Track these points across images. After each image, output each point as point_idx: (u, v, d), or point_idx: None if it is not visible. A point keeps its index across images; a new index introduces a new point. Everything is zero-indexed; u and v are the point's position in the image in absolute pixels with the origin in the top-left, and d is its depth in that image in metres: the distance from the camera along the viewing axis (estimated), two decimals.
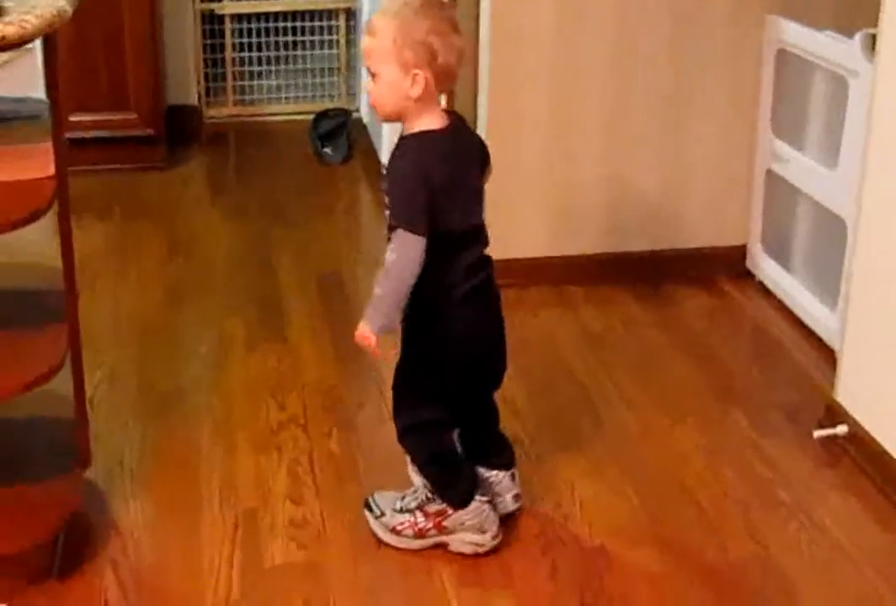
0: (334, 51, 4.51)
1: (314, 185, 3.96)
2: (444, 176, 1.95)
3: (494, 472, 2.24)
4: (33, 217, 1.81)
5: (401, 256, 1.94)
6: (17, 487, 2.05)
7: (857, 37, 2.70)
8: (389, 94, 1.95)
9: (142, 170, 3.91)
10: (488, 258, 2.10)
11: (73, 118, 3.47)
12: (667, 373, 2.85)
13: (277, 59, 4.50)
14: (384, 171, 2.08)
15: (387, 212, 2.00)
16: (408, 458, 2.20)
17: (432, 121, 1.98)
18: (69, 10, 1.79)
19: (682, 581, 2.13)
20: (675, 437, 2.58)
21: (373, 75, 1.96)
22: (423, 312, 2.05)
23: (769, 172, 3.21)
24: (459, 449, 2.20)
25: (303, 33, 4.47)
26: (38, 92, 2.71)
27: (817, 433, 2.55)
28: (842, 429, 2.53)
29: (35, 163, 1.93)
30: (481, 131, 3.12)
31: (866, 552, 2.23)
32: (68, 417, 2.16)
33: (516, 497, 2.26)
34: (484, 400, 2.24)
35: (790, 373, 2.89)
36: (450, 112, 2.05)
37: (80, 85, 3.61)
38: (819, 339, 2.99)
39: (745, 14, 3.10)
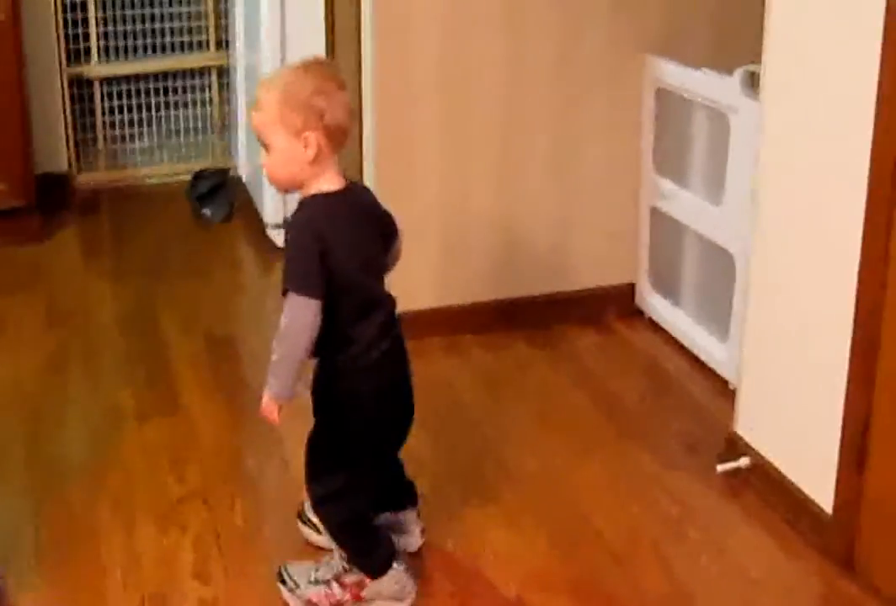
0: (208, 109, 4.46)
1: (195, 247, 3.89)
2: (339, 236, 1.93)
3: (405, 511, 2.24)
4: None
5: (293, 320, 1.91)
6: None
7: (737, 74, 2.76)
8: (284, 163, 1.94)
9: (14, 244, 3.76)
10: (395, 319, 2.07)
11: None
12: (566, 413, 2.86)
13: (149, 120, 4.43)
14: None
15: None
16: (321, 527, 2.16)
17: (329, 183, 1.97)
18: None
19: None
20: (581, 477, 2.58)
21: (266, 148, 1.95)
22: (333, 378, 2.02)
23: (654, 210, 3.26)
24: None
25: (175, 93, 4.41)
26: None
27: (721, 467, 2.57)
28: (744, 462, 2.56)
29: None
30: (370, 183, 3.11)
31: (778, 581, 2.25)
32: None
33: (423, 531, 2.27)
34: (395, 451, 2.22)
35: (686, 406, 2.92)
36: (350, 180, 2.03)
37: None
38: (711, 371, 3.03)
39: (622, 55, 3.14)
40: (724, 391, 2.94)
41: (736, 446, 2.60)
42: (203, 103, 4.45)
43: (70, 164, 4.24)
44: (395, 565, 2.10)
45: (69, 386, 2.97)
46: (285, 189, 2.01)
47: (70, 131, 4.21)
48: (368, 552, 2.11)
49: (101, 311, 3.41)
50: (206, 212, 4.05)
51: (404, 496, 2.28)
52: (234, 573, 2.23)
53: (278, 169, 1.95)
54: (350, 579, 2.11)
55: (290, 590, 2.13)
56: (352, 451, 2.05)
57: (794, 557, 2.32)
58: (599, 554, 2.31)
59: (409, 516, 2.27)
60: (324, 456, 2.08)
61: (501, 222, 3.22)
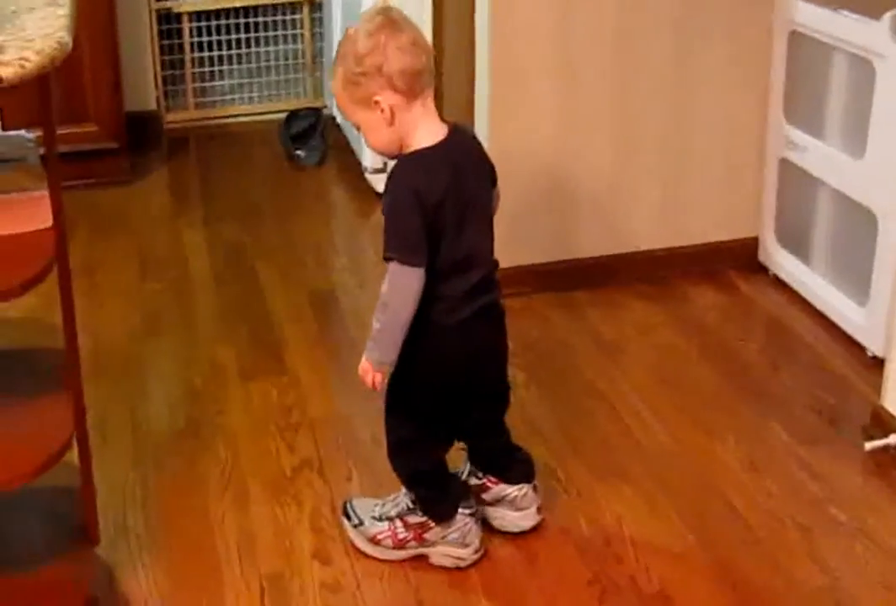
0: (299, 46, 4.25)
1: (290, 192, 3.73)
2: (439, 191, 1.83)
3: (518, 486, 2.13)
4: (39, 277, 1.59)
5: (396, 290, 1.85)
6: (13, 576, 1.82)
7: (886, 17, 2.52)
8: (374, 135, 1.88)
9: (104, 186, 3.62)
10: (495, 280, 1.99)
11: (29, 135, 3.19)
12: (691, 381, 2.68)
13: (239, 56, 4.23)
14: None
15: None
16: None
17: (427, 136, 1.87)
18: (69, 40, 1.56)
19: None
20: (715, 454, 2.41)
21: (357, 128, 1.92)
22: (416, 332, 1.91)
23: (783, 161, 3.03)
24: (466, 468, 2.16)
25: (265, 28, 4.20)
26: None
27: (869, 445, 2.39)
28: (894, 439, 2.38)
29: (31, 213, 1.70)
30: (482, 137, 2.92)
31: None
32: (65, 485, 1.94)
33: (539, 509, 2.16)
34: (488, 418, 2.11)
35: (822, 375, 2.73)
36: (451, 124, 1.92)
37: (35, 96, 3.31)
38: (846, 335, 2.83)
39: None
40: (863, 358, 2.75)
41: (883, 421, 2.42)
42: (294, 39, 4.24)
43: (158, 103, 4.08)
44: (460, 511, 2.04)
45: (168, 342, 2.84)
46: (393, 155, 1.92)
47: (158, 68, 4.05)
48: (435, 501, 2.06)
49: (196, 261, 3.27)
50: (300, 154, 3.88)
51: (513, 464, 2.16)
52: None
53: (373, 141, 1.90)
54: (414, 519, 2.06)
55: (355, 526, 2.10)
56: (423, 407, 1.99)
57: None
58: (744, 542, 2.15)
59: (524, 491, 2.14)
60: (395, 406, 2.02)
61: (616, 172, 3.03)
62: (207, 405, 2.56)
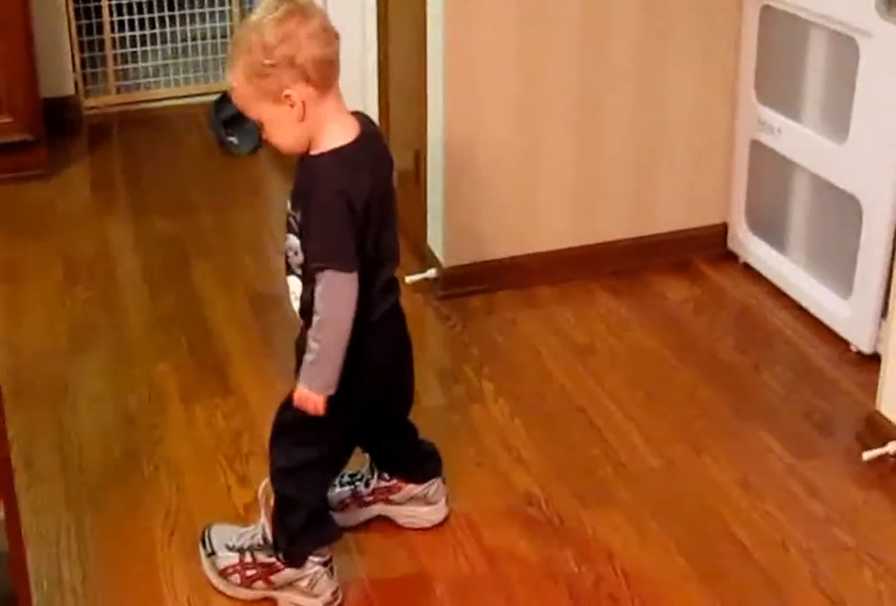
0: (227, 23, 3.97)
1: (223, 182, 3.47)
2: (365, 194, 1.72)
3: (430, 482, 2.05)
4: None
5: (336, 302, 1.72)
6: None
7: None
8: (282, 132, 1.73)
9: (21, 180, 3.34)
10: (396, 278, 1.88)
11: None
12: (670, 387, 2.50)
13: (163, 36, 3.94)
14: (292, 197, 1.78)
15: (289, 242, 1.77)
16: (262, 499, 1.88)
17: (340, 133, 1.74)
18: None
19: None
20: (705, 470, 2.24)
21: (260, 125, 1.76)
22: None
23: (754, 143, 2.85)
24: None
25: (190, 5, 3.91)
26: None
27: (867, 455, 2.24)
28: (893, 447, 2.22)
29: None
30: (437, 127, 2.70)
31: None
32: None
33: (447, 499, 2.08)
34: (401, 420, 2.02)
35: (806, 374, 2.56)
36: (359, 115, 1.80)
37: None
38: (829, 330, 2.67)
39: None
40: (847, 354, 2.60)
41: (880, 428, 2.27)
42: (222, 16, 3.96)
43: (77, 87, 3.78)
44: (310, 558, 1.86)
45: (99, 359, 2.59)
46: (303, 150, 1.76)
47: (75, 50, 3.74)
48: (295, 540, 1.87)
49: (126, 263, 3.01)
50: (233, 140, 3.61)
51: (425, 460, 2.07)
52: None
53: (280, 139, 1.75)
54: (262, 558, 1.89)
55: (208, 555, 1.93)
56: (341, 422, 1.83)
57: None
58: (746, 572, 1.98)
59: (436, 486, 2.06)
60: (303, 425, 1.83)
61: (579, 158, 2.83)
62: (146, 432, 2.32)
